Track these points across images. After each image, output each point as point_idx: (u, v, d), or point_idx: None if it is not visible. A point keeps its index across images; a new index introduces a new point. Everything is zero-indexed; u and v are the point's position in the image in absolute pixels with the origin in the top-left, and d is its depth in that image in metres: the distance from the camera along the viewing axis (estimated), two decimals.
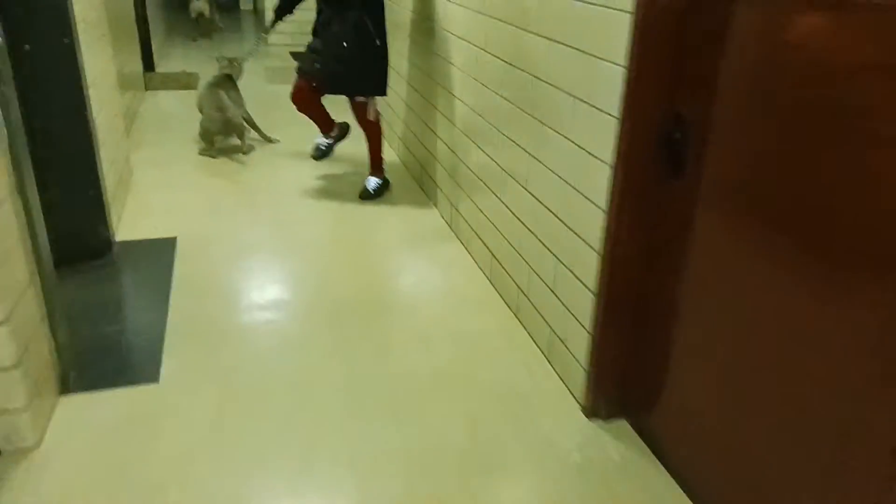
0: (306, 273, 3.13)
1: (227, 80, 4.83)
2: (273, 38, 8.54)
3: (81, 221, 3.01)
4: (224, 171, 4.36)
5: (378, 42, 3.71)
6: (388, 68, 3.85)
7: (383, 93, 3.91)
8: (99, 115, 3.18)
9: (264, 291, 2.96)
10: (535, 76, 2.42)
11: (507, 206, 2.79)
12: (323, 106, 4.14)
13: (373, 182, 4.06)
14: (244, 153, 4.59)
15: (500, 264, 2.90)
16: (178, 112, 5.60)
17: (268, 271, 3.15)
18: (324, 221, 3.71)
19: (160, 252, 3.21)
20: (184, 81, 6.46)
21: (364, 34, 3.67)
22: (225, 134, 4.57)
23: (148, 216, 3.60)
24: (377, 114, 3.96)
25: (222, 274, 3.06)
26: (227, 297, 2.88)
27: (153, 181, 4.07)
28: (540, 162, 2.43)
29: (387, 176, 4.13)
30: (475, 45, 3.05)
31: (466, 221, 3.35)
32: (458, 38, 3.28)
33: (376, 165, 4.08)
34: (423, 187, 4.14)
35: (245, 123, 4.67)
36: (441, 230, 3.62)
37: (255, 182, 4.20)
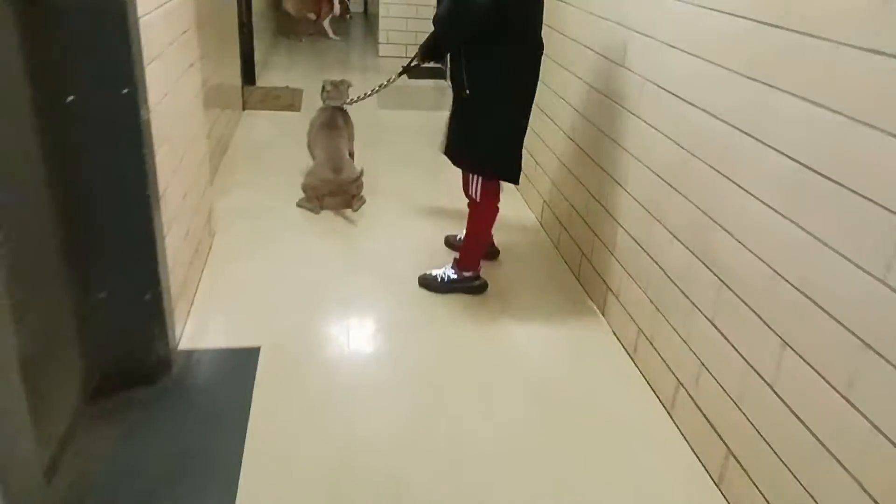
0: (429, 429, 2.15)
1: (340, 115, 3.95)
2: (385, 49, 7.72)
3: (132, 335, 2.15)
4: (326, 234, 3.46)
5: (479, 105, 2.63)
6: (500, 145, 2.71)
7: (483, 173, 2.78)
8: (172, 178, 2.33)
9: (372, 470, 2.00)
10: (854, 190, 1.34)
11: (760, 377, 1.73)
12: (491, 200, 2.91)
13: (445, 273, 2.97)
14: (353, 210, 3.69)
15: (743, 470, 1.84)
16: (278, 141, 4.77)
17: (378, 422, 2.19)
18: (450, 327, 2.72)
19: (236, 373, 2.32)
20: (286, 101, 5.66)
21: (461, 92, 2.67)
22: (335, 196, 3.68)
23: (226, 305, 2.72)
24: (482, 193, 2.82)
25: (314, 426, 2.12)
26: (318, 481, 1.93)
27: (238, 245, 3.21)
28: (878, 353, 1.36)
29: (481, 278, 2.99)
30: (708, 113, 2.00)
31: (663, 359, 2.30)
32: (683, 100, 2.23)
33: (462, 257, 2.97)
34: (581, 278, 3.11)
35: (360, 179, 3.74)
36: (613, 357, 2.59)
37: (363, 252, 3.28)
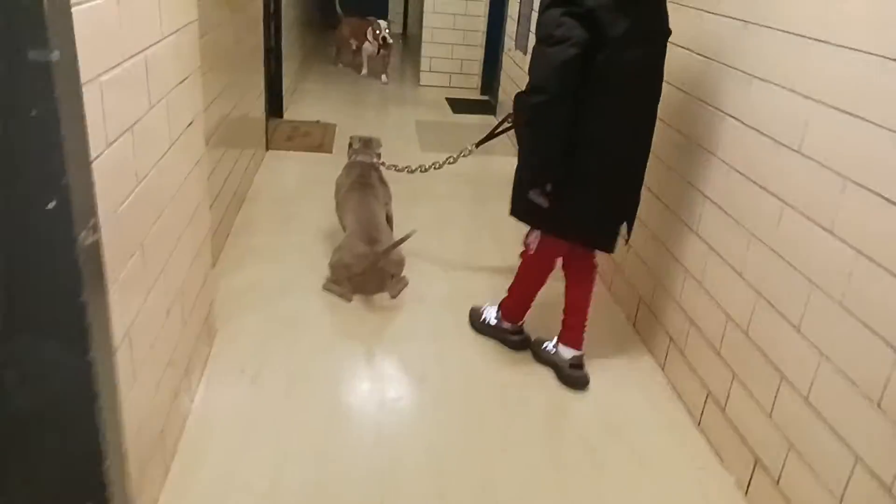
0: None
1: (373, 172, 3.24)
2: (427, 77, 7.01)
3: None
4: (359, 333, 2.70)
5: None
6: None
7: (518, 217, 2.44)
8: (143, 308, 1.61)
9: None
10: None
11: None
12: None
13: (489, 312, 2.73)
14: (392, 297, 2.94)
15: None
16: (305, 192, 4.04)
17: None
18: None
19: None
20: (316, 140, 4.95)
21: None
22: (369, 275, 2.89)
23: (211, 491, 1.99)
24: (528, 247, 2.48)
25: None
26: None
27: (240, 358, 2.42)
28: None
29: (524, 332, 2.66)
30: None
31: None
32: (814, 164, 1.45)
33: (505, 299, 2.67)
34: (642, 331, 2.36)
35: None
36: (682, 432, 1.80)
37: (411, 362, 2.52)
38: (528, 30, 4.93)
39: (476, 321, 2.75)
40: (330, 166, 4.43)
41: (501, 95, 5.85)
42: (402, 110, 6.13)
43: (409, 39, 9.69)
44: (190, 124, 2.06)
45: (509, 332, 2.64)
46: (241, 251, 3.20)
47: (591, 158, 2.15)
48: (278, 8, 4.98)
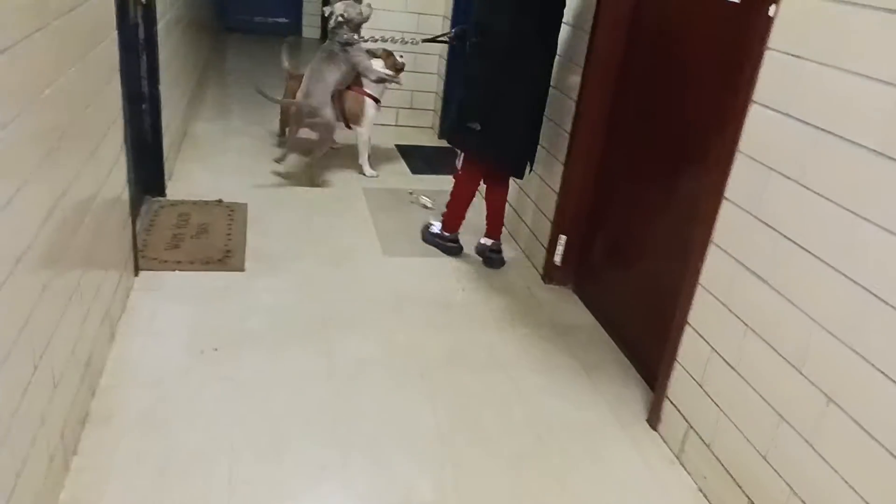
0: None
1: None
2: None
3: None
4: None
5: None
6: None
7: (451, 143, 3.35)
8: None
9: None
10: None
11: None
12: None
13: (433, 226, 3.41)
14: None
15: None
16: (203, 388, 2.28)
17: None
18: None
19: None
20: (217, 244, 3.15)
21: None
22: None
23: None
24: (458, 168, 3.25)
25: None
26: None
27: None
28: None
29: (459, 243, 3.34)
30: None
31: None
32: None
33: (444, 214, 3.36)
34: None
35: None
36: None
37: None
38: None
39: (424, 232, 3.40)
40: (244, 302, 2.73)
41: None
42: (340, 167, 4.41)
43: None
44: None
45: (447, 240, 3.31)
46: None
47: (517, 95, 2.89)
48: (152, 36, 3.16)
